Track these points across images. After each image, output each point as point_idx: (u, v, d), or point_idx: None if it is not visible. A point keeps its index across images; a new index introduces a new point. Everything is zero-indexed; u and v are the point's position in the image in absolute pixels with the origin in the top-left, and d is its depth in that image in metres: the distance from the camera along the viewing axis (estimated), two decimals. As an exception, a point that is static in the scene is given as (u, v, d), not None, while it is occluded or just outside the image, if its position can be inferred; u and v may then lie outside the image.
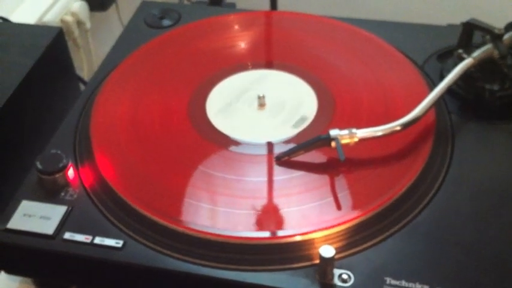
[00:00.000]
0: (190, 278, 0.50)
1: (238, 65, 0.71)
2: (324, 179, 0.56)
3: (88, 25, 1.00)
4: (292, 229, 0.51)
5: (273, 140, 0.61)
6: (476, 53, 0.63)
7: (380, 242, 0.51)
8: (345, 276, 0.49)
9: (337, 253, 0.48)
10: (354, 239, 0.51)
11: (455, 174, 0.56)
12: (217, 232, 0.51)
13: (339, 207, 0.53)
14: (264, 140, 0.61)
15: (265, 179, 0.57)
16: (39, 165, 0.56)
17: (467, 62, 0.62)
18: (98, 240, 0.52)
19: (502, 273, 0.49)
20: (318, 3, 0.96)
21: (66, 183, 0.57)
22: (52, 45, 0.72)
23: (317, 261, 0.49)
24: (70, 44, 0.86)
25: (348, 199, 0.54)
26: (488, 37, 0.64)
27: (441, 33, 0.73)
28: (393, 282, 0.48)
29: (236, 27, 0.77)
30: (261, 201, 0.54)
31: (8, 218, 0.54)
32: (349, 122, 0.60)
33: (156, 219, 0.53)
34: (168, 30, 0.77)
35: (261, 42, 0.75)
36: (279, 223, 0.52)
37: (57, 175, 0.56)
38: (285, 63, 0.70)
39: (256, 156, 0.59)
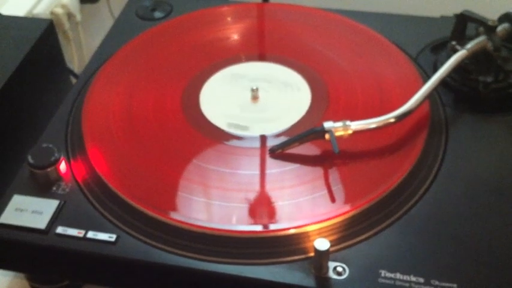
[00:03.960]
0: (184, 272, 0.50)
1: (231, 57, 0.70)
2: (318, 171, 0.56)
3: (78, 17, 0.99)
4: (287, 222, 0.51)
5: (266, 132, 0.61)
6: (470, 45, 0.63)
7: (375, 234, 0.51)
8: (339, 269, 0.49)
9: (332, 246, 0.48)
10: (349, 232, 0.51)
11: (449, 167, 0.56)
12: (212, 226, 0.51)
13: (333, 200, 0.53)
14: (257, 133, 0.60)
15: (258, 172, 0.57)
16: (30, 159, 0.56)
17: (461, 54, 0.62)
18: (90, 234, 0.52)
19: (497, 266, 0.49)
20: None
21: (58, 177, 0.57)
22: (43, 38, 0.72)
23: (312, 254, 0.48)
24: (60, 36, 0.85)
25: (343, 192, 0.54)
26: (481, 29, 0.64)
27: (434, 25, 0.73)
28: (388, 274, 0.48)
29: (229, 19, 0.76)
30: (255, 195, 0.54)
31: (-1, 213, 0.54)
32: (343, 115, 0.59)
33: (149, 213, 0.53)
34: (160, 23, 0.76)
35: (254, 34, 0.74)
36: (274, 216, 0.52)
37: (49, 169, 0.56)
38: (279, 55, 0.70)
39: (250, 150, 0.59)
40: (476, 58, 0.63)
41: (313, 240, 0.48)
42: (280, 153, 0.58)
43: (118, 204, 0.54)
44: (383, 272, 0.48)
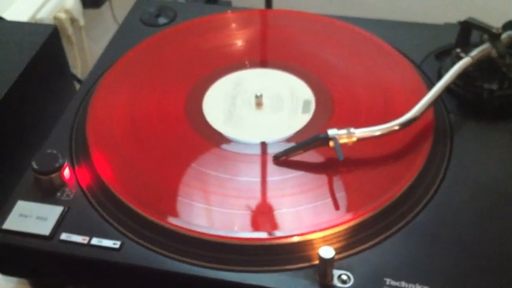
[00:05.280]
0: (188, 279, 0.50)
1: (235, 63, 0.70)
2: (323, 179, 0.56)
3: (82, 22, 0.99)
4: (292, 230, 0.51)
5: (270, 139, 0.60)
6: (474, 52, 0.63)
7: (380, 242, 0.51)
8: (344, 277, 0.49)
9: (336, 254, 0.48)
10: (354, 239, 0.51)
11: (454, 174, 0.56)
12: (216, 233, 0.51)
13: (338, 207, 0.53)
14: (262, 140, 0.60)
15: (262, 179, 0.57)
16: (35, 165, 0.56)
17: (466, 61, 0.62)
18: (95, 241, 0.52)
19: (502, 274, 0.49)
20: (314, 2, 0.96)
21: (63, 183, 0.56)
22: (47, 43, 0.72)
23: (317, 262, 0.48)
24: (63, 41, 0.85)
25: (347, 199, 0.54)
26: (486, 36, 0.64)
27: (439, 32, 0.73)
28: (393, 283, 0.48)
29: (233, 25, 0.76)
30: (260, 202, 0.54)
31: (3, 219, 0.54)
32: (347, 122, 0.59)
33: (154, 220, 0.53)
34: (164, 28, 0.76)
35: (258, 40, 0.74)
36: (278, 224, 0.52)
37: (53, 175, 0.56)
38: (283, 62, 0.70)
39: (254, 156, 0.59)
40: (481, 65, 0.63)
41: (318, 248, 0.48)
42: (284, 160, 0.58)
43: (122, 210, 0.54)
44: (388, 280, 0.48)
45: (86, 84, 0.69)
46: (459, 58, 0.63)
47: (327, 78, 0.67)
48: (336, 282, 0.48)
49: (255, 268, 0.49)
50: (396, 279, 0.48)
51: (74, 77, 0.85)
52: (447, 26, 0.74)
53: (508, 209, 0.53)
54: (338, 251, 0.49)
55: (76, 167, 0.58)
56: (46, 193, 0.56)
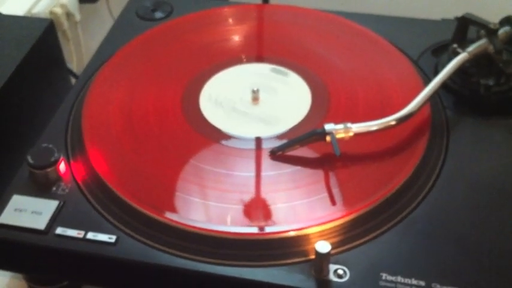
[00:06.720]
0: (184, 273, 0.50)
1: (231, 58, 0.70)
2: (319, 174, 0.56)
3: (77, 17, 0.99)
4: (288, 224, 0.51)
5: (267, 134, 0.60)
6: (471, 48, 0.63)
7: (376, 237, 0.51)
8: (340, 272, 0.49)
9: (333, 248, 0.48)
10: (350, 234, 0.51)
11: (450, 170, 0.56)
12: (212, 227, 0.51)
13: (334, 202, 0.53)
14: (258, 135, 0.60)
15: (260, 174, 0.57)
16: (30, 160, 0.56)
17: (462, 56, 0.62)
18: (90, 235, 0.52)
19: (499, 269, 0.49)
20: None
21: (58, 178, 0.56)
22: (43, 38, 0.71)
23: (313, 257, 0.48)
24: (59, 36, 0.85)
25: (344, 194, 0.54)
26: (483, 32, 0.64)
27: (436, 28, 0.73)
28: (389, 277, 0.48)
29: (230, 20, 0.76)
30: (256, 197, 0.54)
31: (-2, 213, 0.53)
32: (343, 117, 0.59)
33: (149, 214, 0.52)
34: (161, 23, 0.76)
35: (255, 35, 0.74)
36: (274, 218, 0.52)
37: (48, 169, 0.56)
38: (279, 57, 0.70)
39: (250, 151, 0.59)
40: (478, 61, 0.63)
41: (314, 242, 0.48)
42: (280, 155, 0.58)
43: (118, 204, 0.54)
44: (384, 275, 0.48)
45: (81, 78, 0.69)
46: (456, 54, 0.63)
47: (324, 73, 0.67)
48: (332, 276, 0.48)
49: (251, 263, 0.49)
50: (392, 274, 0.48)
51: (70, 72, 0.84)
52: (444, 22, 0.74)
53: (504, 205, 0.53)
54: (334, 245, 0.49)
55: (71, 162, 0.58)
56: (41, 187, 0.55)
